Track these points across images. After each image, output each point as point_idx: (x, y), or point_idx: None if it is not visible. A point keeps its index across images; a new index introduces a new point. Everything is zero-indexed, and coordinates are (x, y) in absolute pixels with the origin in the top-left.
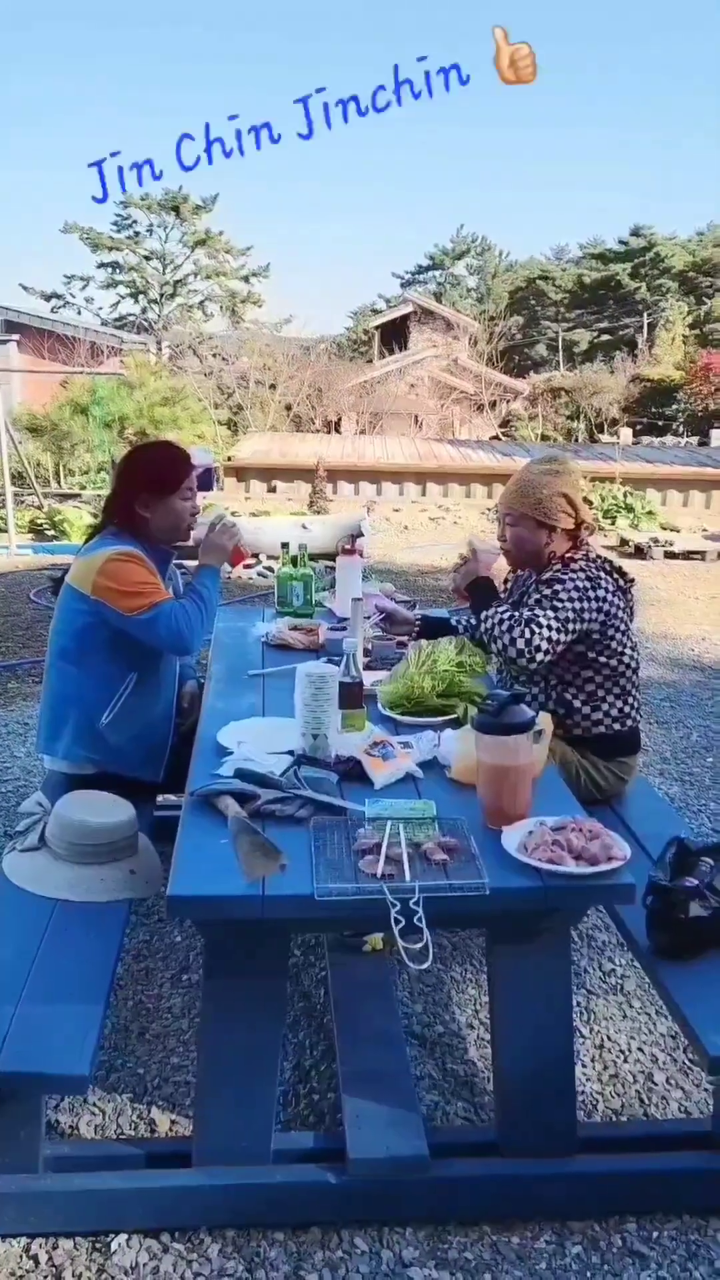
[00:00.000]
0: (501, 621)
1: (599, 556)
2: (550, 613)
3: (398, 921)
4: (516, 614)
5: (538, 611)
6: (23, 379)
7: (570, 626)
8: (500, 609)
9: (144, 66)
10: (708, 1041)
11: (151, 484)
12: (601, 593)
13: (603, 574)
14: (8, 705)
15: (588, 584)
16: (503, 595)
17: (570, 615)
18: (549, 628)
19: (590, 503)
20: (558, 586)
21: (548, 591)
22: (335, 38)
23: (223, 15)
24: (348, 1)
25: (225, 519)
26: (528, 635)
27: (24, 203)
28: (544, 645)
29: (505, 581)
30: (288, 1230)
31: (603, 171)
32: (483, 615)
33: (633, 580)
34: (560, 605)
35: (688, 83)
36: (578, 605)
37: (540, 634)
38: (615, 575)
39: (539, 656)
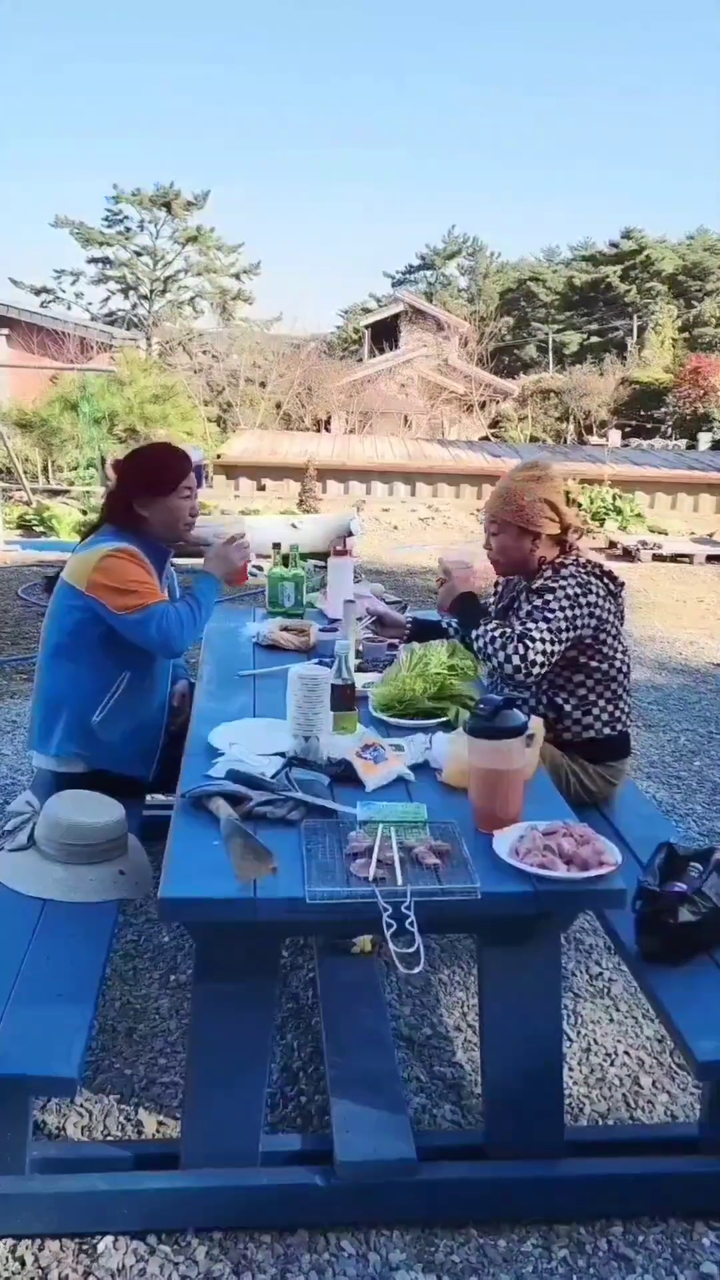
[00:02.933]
0: (494, 639)
1: (589, 561)
2: (542, 624)
3: (389, 925)
4: (508, 629)
5: (530, 625)
6: (12, 373)
7: (563, 636)
8: (490, 626)
9: (139, 64)
10: (695, 1046)
11: (150, 484)
12: (592, 598)
13: (593, 579)
14: None
15: (579, 590)
16: (492, 600)
17: (563, 625)
18: (542, 640)
19: (579, 505)
20: (549, 596)
21: (539, 602)
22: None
23: (222, 13)
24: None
25: (243, 537)
26: (522, 651)
27: (14, 196)
28: (539, 659)
29: (496, 585)
30: (275, 1232)
31: (594, 174)
32: (474, 635)
33: (623, 584)
34: (552, 615)
35: (680, 87)
36: (570, 613)
37: (534, 648)
38: (605, 580)
39: (535, 670)
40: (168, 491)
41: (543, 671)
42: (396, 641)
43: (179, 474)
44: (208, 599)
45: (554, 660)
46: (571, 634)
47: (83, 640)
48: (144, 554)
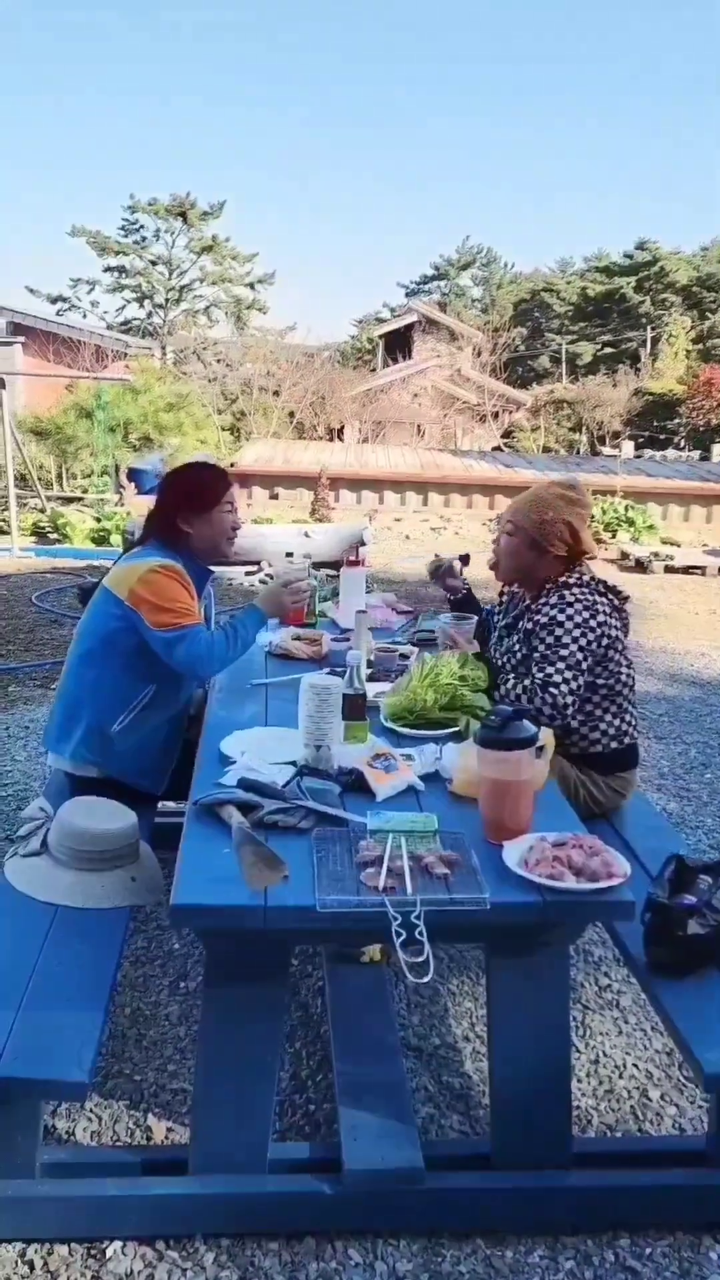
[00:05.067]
0: (519, 698)
1: (593, 578)
2: (559, 664)
3: (399, 935)
4: (528, 682)
5: (549, 670)
6: (27, 381)
7: (583, 665)
8: (509, 685)
9: (153, 72)
10: (703, 1059)
11: (194, 499)
12: (601, 618)
13: (598, 597)
14: (9, 709)
15: (587, 614)
16: (498, 615)
17: (579, 656)
18: (565, 680)
19: (591, 516)
20: (559, 631)
21: (550, 639)
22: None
23: (240, 22)
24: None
25: (302, 585)
26: (551, 699)
27: (31, 205)
28: (568, 700)
29: (501, 596)
30: (282, 1240)
31: (609, 184)
32: (498, 695)
33: (627, 598)
34: (567, 651)
35: (698, 97)
36: (583, 641)
37: (560, 691)
38: (610, 595)
39: (569, 712)
40: (211, 506)
41: (576, 707)
42: (409, 653)
43: (221, 489)
44: (246, 632)
45: (581, 691)
46: (589, 660)
47: (115, 648)
48: (187, 573)
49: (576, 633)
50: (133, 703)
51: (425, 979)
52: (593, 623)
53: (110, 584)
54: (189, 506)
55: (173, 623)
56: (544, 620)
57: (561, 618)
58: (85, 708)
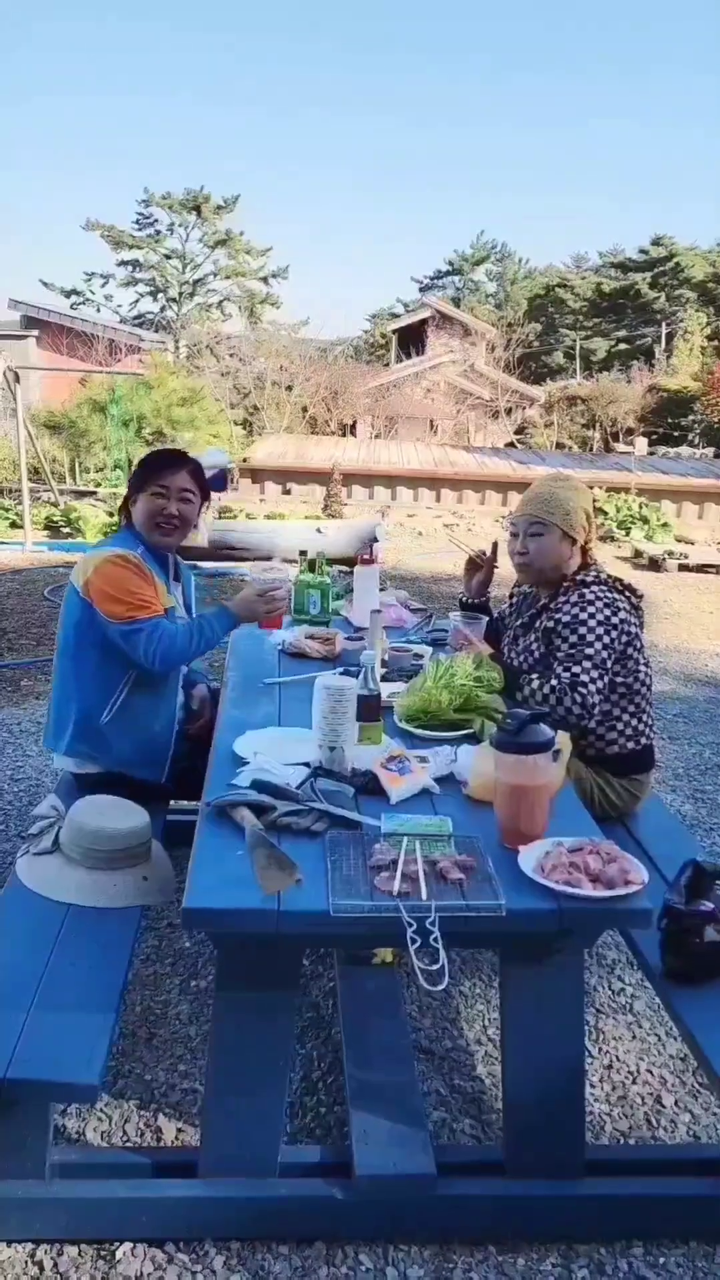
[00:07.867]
0: (547, 697)
1: (610, 577)
2: (586, 663)
3: (414, 941)
4: (555, 682)
5: (575, 669)
6: (42, 374)
7: (608, 664)
8: (535, 684)
9: (170, 65)
10: (719, 1066)
11: (133, 479)
12: (622, 615)
13: (616, 595)
14: (20, 704)
15: (609, 612)
16: (508, 613)
17: (604, 655)
18: (592, 680)
19: (605, 513)
20: (582, 630)
21: (574, 639)
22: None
23: (254, 18)
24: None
25: (278, 592)
26: (579, 699)
27: (46, 199)
28: (595, 700)
29: (511, 596)
30: (292, 1244)
31: (625, 180)
32: (520, 696)
33: (642, 596)
34: (592, 650)
35: (711, 90)
36: (606, 640)
37: (589, 689)
38: (627, 594)
39: (596, 711)
40: (140, 488)
41: (602, 705)
42: (423, 653)
43: (153, 471)
44: (212, 632)
45: (606, 690)
46: (612, 658)
47: (85, 640)
48: (149, 561)
49: (600, 630)
50: (115, 691)
51: (440, 987)
52: (614, 620)
53: (72, 576)
54: (130, 487)
55: (127, 615)
56: (566, 619)
57: (584, 616)
58: (72, 702)
